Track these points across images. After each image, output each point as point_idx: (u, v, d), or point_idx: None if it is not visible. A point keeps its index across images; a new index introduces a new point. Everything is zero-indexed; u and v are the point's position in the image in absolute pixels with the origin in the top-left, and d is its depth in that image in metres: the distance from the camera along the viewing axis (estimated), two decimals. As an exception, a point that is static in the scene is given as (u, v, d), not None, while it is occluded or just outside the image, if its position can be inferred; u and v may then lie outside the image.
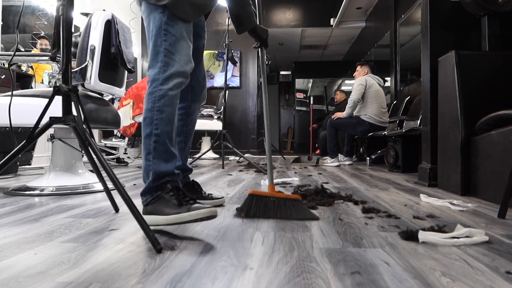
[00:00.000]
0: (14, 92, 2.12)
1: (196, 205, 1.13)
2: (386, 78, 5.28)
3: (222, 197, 1.66)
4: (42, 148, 3.99)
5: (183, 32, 1.31)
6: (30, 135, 1.19)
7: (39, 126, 1.23)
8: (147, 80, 1.28)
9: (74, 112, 1.30)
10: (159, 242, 0.97)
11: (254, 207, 1.39)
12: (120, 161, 3.71)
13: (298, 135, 9.84)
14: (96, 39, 2.12)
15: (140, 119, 3.98)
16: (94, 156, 1.23)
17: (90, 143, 1.21)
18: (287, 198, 1.42)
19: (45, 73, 4.07)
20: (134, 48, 2.76)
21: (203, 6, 1.41)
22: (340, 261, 0.89)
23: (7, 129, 2.64)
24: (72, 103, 1.32)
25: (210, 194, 1.64)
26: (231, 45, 3.99)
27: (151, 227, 1.02)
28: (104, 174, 1.23)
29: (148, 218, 1.13)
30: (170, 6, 1.27)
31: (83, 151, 1.32)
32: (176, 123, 1.31)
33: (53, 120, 1.26)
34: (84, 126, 1.26)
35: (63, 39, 1.29)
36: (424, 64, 2.44)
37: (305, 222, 1.31)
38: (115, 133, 4.97)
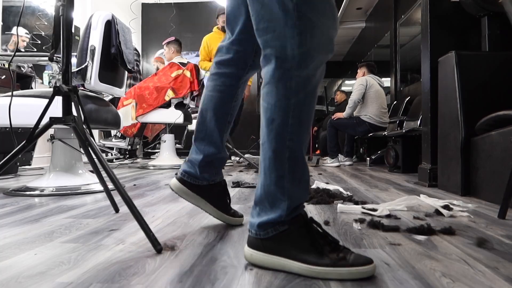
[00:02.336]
0: (14, 93, 2.12)
1: (343, 255, 0.80)
2: (385, 79, 5.28)
3: (241, 217, 1.28)
4: (42, 149, 4.00)
5: None
6: (30, 135, 1.19)
7: (39, 126, 1.23)
8: (264, 56, 0.86)
9: (74, 113, 1.31)
10: (159, 242, 0.96)
11: None
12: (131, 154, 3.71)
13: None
14: (96, 40, 2.12)
15: (143, 119, 3.98)
16: (94, 157, 1.23)
17: (90, 143, 1.21)
18: None
19: (45, 73, 4.08)
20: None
21: None
22: (340, 262, 0.89)
23: (7, 129, 2.64)
24: (72, 103, 1.32)
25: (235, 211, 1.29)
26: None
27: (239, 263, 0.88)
28: (104, 174, 1.23)
29: (268, 260, 0.84)
30: None
31: (83, 152, 1.31)
32: None
33: (53, 121, 1.26)
34: (84, 126, 1.27)
35: (63, 39, 1.29)
36: (424, 64, 2.44)
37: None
38: (114, 133, 4.97)
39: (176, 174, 1.22)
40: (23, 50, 3.67)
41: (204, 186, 1.19)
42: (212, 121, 1.12)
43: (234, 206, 1.61)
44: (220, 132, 1.16)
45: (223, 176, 1.25)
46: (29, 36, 3.81)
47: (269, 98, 0.84)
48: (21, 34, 3.68)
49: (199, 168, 1.16)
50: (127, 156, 3.80)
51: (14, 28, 3.64)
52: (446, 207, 1.48)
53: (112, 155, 5.14)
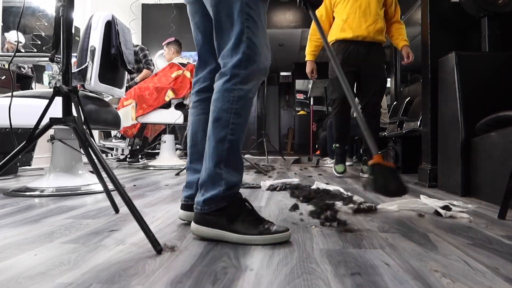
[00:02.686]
0: (15, 93, 2.12)
1: (268, 226, 1.06)
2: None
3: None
4: (42, 149, 4.00)
5: (263, 15, 1.16)
6: (30, 136, 1.19)
7: (39, 127, 1.23)
8: (220, 73, 1.12)
9: (75, 113, 1.31)
10: (159, 243, 0.96)
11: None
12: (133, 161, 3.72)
13: (298, 136, 9.83)
14: (96, 40, 2.12)
15: (143, 120, 3.98)
16: (94, 157, 1.23)
17: (90, 144, 1.21)
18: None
19: (45, 73, 4.08)
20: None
21: None
22: (340, 262, 0.89)
23: (8, 130, 2.64)
24: (72, 104, 1.32)
25: None
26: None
27: (194, 235, 1.08)
28: (104, 175, 1.23)
29: (209, 232, 1.06)
30: None
31: (83, 152, 1.31)
32: None
33: (53, 121, 1.26)
34: (84, 127, 1.27)
35: (63, 40, 1.29)
36: (424, 65, 2.44)
37: (305, 224, 1.30)
38: (114, 134, 4.97)
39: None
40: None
41: None
42: (203, 141, 1.17)
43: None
44: None
45: None
46: (22, 42, 3.77)
47: (217, 103, 1.10)
48: (10, 39, 3.63)
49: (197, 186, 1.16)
50: (130, 157, 3.79)
51: (8, 33, 3.64)
52: (445, 207, 1.48)
53: (112, 155, 5.14)
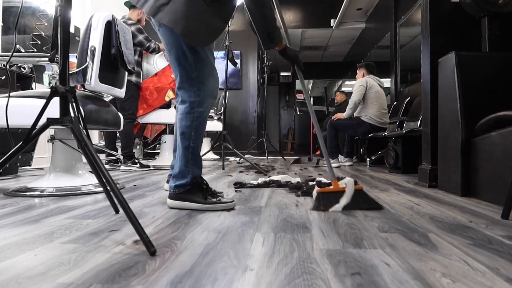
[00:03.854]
0: (14, 93, 2.12)
1: (219, 199, 1.58)
2: (386, 79, 5.28)
3: (232, 202, 1.64)
4: (42, 149, 4.00)
5: (208, 55, 1.55)
6: (27, 136, 1.19)
7: (37, 127, 1.23)
8: (181, 100, 1.56)
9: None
10: (153, 244, 0.96)
11: (326, 203, 1.58)
12: (142, 166, 3.67)
13: (298, 136, 9.84)
14: (96, 40, 2.12)
15: (143, 120, 3.99)
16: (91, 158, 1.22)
17: (86, 144, 1.21)
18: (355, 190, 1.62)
19: (45, 73, 4.08)
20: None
21: (218, 29, 1.53)
22: (341, 262, 0.89)
23: (6, 130, 2.64)
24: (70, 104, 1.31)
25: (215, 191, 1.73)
26: (231, 46, 3.99)
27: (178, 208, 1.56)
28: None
29: (179, 203, 1.57)
30: (183, 35, 1.43)
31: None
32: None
33: (50, 121, 1.26)
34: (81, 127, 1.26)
35: (60, 39, 1.28)
36: (424, 65, 2.44)
37: (305, 224, 1.31)
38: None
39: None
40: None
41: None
42: None
43: (235, 207, 1.61)
44: None
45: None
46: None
47: (182, 122, 1.54)
48: None
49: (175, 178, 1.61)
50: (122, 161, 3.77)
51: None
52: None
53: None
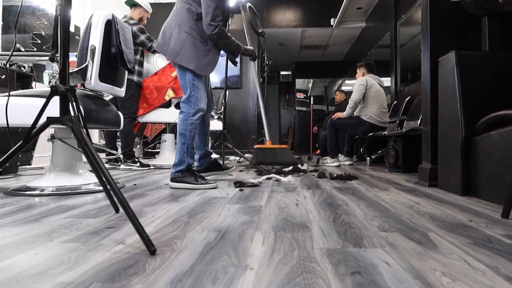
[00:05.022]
0: (14, 92, 2.12)
1: (206, 181, 2.23)
2: (386, 79, 5.27)
3: (233, 167, 2.82)
4: (43, 148, 4.00)
5: (202, 82, 2.28)
6: (27, 135, 1.19)
7: (37, 126, 1.23)
8: (181, 111, 2.25)
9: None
10: (153, 244, 0.96)
11: (261, 157, 2.60)
12: (142, 165, 3.67)
13: (299, 135, 9.83)
14: (96, 39, 2.12)
15: (143, 119, 3.99)
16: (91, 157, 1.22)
17: (86, 143, 1.21)
18: (280, 147, 2.69)
19: (45, 72, 4.08)
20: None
21: (214, 62, 2.31)
22: (341, 261, 0.89)
23: (6, 129, 2.63)
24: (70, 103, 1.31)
25: (226, 165, 2.78)
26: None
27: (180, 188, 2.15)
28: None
29: (178, 184, 2.20)
30: (195, 69, 2.21)
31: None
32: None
33: (50, 120, 1.26)
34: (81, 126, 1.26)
35: (60, 38, 1.28)
36: (424, 64, 2.44)
37: (305, 223, 1.31)
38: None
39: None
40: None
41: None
42: (198, 140, 2.53)
43: (235, 206, 1.61)
44: (202, 141, 2.57)
45: (212, 158, 2.67)
46: None
47: (181, 126, 2.22)
48: None
49: (199, 161, 2.59)
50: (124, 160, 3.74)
51: None
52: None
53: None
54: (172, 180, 2.20)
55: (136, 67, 3.63)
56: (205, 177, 2.30)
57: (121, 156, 3.73)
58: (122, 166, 3.67)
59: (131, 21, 3.68)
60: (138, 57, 3.69)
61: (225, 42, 2.31)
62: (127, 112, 3.59)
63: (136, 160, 3.70)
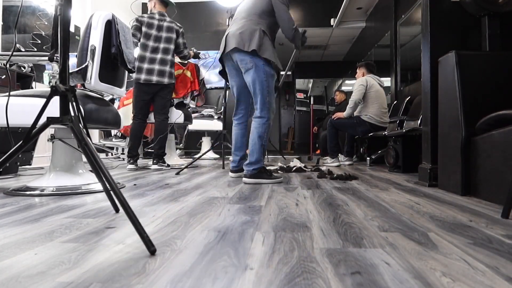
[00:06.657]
0: (14, 92, 2.12)
1: (276, 175, 2.59)
2: (386, 79, 5.27)
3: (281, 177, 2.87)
4: (43, 148, 4.00)
5: (272, 83, 2.57)
6: (27, 135, 1.19)
7: (37, 126, 1.23)
8: (257, 116, 2.56)
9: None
10: (153, 244, 0.96)
11: None
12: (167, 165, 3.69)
13: (299, 135, 9.84)
14: (96, 39, 2.12)
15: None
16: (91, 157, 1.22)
17: (86, 143, 1.21)
18: None
19: (45, 72, 4.08)
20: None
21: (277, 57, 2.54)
22: (341, 261, 0.89)
23: (6, 129, 2.64)
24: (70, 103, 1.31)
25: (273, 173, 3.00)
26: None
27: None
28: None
29: (255, 180, 2.46)
30: (278, 63, 2.54)
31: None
32: None
33: (50, 121, 1.26)
34: (81, 126, 1.26)
35: (60, 39, 1.28)
36: (424, 64, 2.44)
37: (305, 223, 1.31)
38: (115, 133, 4.97)
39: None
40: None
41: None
42: (241, 141, 2.79)
43: (235, 206, 1.61)
44: (244, 144, 2.79)
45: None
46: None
47: (258, 129, 2.55)
48: None
49: (239, 161, 2.78)
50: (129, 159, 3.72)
51: None
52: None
53: (112, 154, 5.13)
54: (250, 176, 2.46)
55: (135, 68, 3.59)
56: (273, 172, 2.76)
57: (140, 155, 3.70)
58: (154, 167, 3.66)
59: (178, 24, 3.78)
60: (169, 57, 3.64)
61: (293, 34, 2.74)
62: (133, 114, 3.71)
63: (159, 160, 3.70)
